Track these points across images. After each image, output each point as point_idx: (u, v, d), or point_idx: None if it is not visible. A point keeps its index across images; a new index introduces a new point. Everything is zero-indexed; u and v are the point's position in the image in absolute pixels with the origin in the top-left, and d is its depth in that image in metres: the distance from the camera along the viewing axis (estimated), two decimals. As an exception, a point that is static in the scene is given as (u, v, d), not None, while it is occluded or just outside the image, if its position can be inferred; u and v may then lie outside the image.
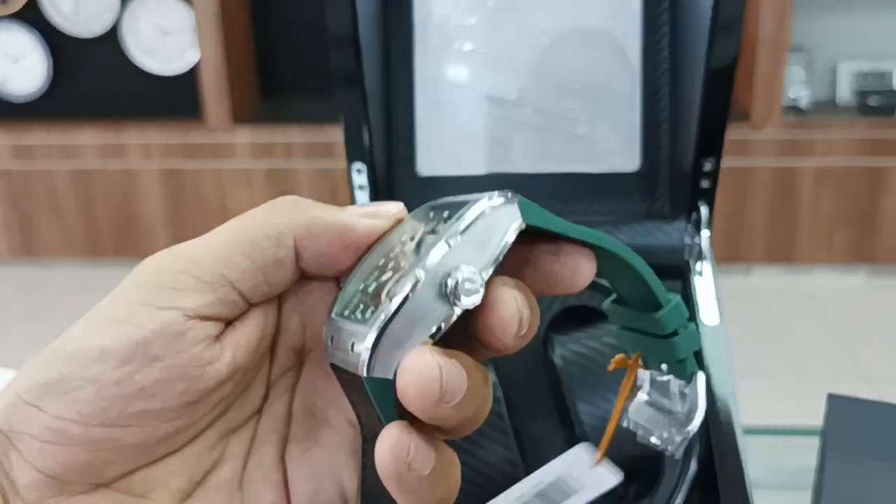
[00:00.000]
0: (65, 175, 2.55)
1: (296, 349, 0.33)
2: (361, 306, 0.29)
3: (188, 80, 2.54)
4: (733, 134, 2.37)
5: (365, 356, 0.27)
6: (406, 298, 0.27)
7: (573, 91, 0.51)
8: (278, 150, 2.47)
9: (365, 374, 0.28)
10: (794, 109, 2.51)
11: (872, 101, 2.49)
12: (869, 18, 2.58)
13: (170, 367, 0.28)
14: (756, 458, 0.44)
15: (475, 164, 0.51)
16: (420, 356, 0.27)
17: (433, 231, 0.29)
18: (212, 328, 0.29)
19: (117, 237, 2.60)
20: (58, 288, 2.59)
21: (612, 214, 0.50)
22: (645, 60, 0.51)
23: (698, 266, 0.48)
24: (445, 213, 0.29)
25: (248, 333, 0.31)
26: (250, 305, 0.31)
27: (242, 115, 2.51)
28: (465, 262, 0.28)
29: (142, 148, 2.50)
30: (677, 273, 0.49)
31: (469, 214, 0.28)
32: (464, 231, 0.28)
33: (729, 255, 2.46)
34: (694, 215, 0.49)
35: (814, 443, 0.45)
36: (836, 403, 0.41)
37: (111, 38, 2.53)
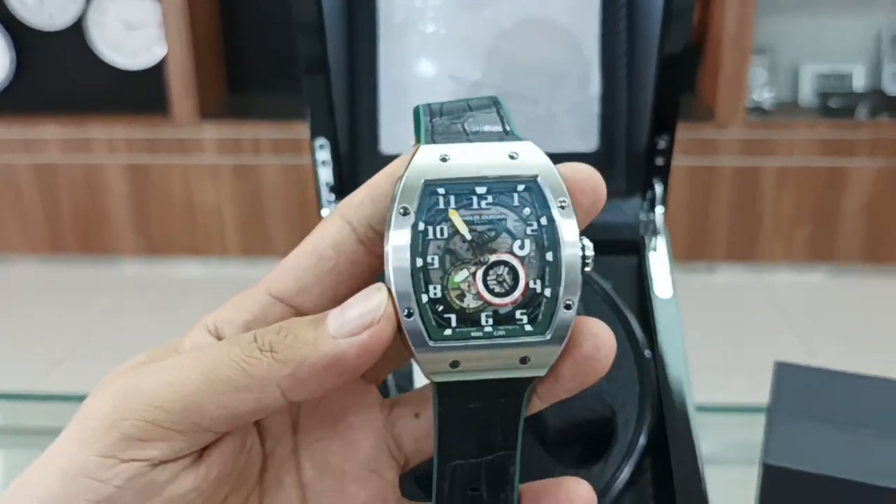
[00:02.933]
0: (27, 169, 2.52)
1: (284, 411, 0.32)
2: (488, 314, 0.27)
3: (155, 75, 2.53)
4: (698, 133, 2.40)
5: (550, 362, 0.27)
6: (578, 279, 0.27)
7: (533, 73, 0.52)
8: (246, 145, 2.47)
9: (545, 373, 0.27)
10: (758, 110, 2.54)
11: (833, 103, 2.53)
12: (831, 21, 2.62)
13: None
14: (709, 435, 0.46)
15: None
16: (597, 322, 0.28)
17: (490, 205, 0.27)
18: (183, 463, 0.28)
19: (81, 233, 2.57)
20: (19, 285, 2.56)
21: (570, 193, 0.51)
22: (603, 44, 0.52)
23: (653, 242, 0.49)
24: (482, 189, 0.28)
25: (229, 448, 0.29)
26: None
27: (210, 110, 2.50)
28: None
29: (107, 143, 2.48)
30: (633, 248, 0.51)
31: (543, 173, 0.27)
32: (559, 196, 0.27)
33: (692, 253, 2.49)
34: (649, 193, 0.50)
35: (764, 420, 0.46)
36: (784, 370, 0.43)
37: (76, 31, 2.51)
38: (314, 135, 0.48)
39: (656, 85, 0.47)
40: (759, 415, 0.50)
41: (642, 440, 0.43)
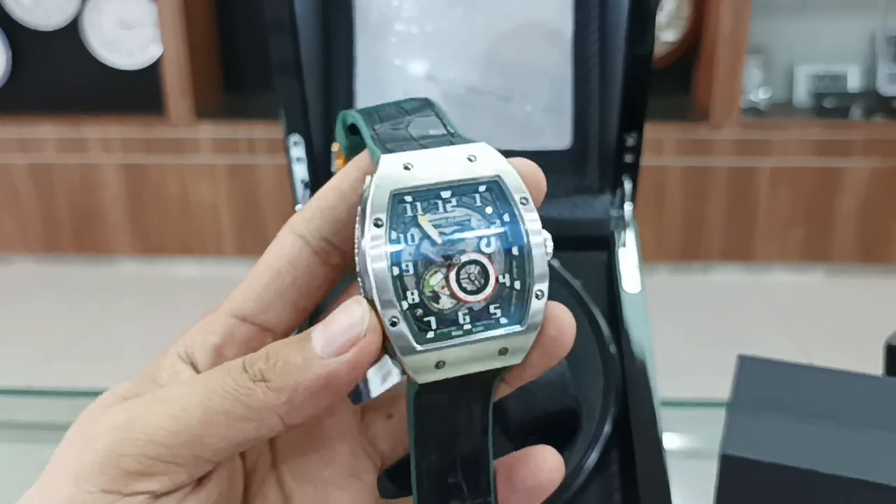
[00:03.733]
0: (23, 169, 2.52)
1: None
2: (464, 313, 0.28)
3: (150, 75, 2.53)
4: (693, 133, 2.41)
5: (526, 350, 0.28)
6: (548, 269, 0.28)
7: (508, 72, 0.53)
8: (241, 145, 2.47)
9: (521, 360, 0.28)
10: (753, 110, 2.55)
11: (828, 103, 2.54)
12: (825, 22, 2.63)
13: None
14: (675, 429, 0.46)
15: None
16: (556, 304, 0.29)
17: (451, 207, 0.28)
18: (186, 491, 0.28)
19: (77, 233, 2.58)
20: (15, 284, 2.56)
21: (543, 189, 0.52)
22: (576, 43, 0.53)
23: (622, 237, 0.50)
24: (446, 194, 0.29)
25: (227, 473, 0.30)
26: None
27: (205, 110, 2.51)
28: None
29: (102, 142, 2.49)
30: (603, 244, 0.51)
31: (505, 179, 0.29)
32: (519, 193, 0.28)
33: (687, 254, 2.50)
34: (619, 189, 0.51)
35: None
36: (747, 364, 0.43)
37: (72, 30, 2.52)
38: (288, 131, 0.49)
39: (624, 82, 0.47)
40: (724, 409, 0.51)
41: (607, 428, 0.44)
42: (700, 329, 2.21)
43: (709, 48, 2.43)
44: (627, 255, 0.49)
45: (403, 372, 0.29)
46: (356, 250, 0.28)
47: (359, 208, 0.28)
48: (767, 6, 2.55)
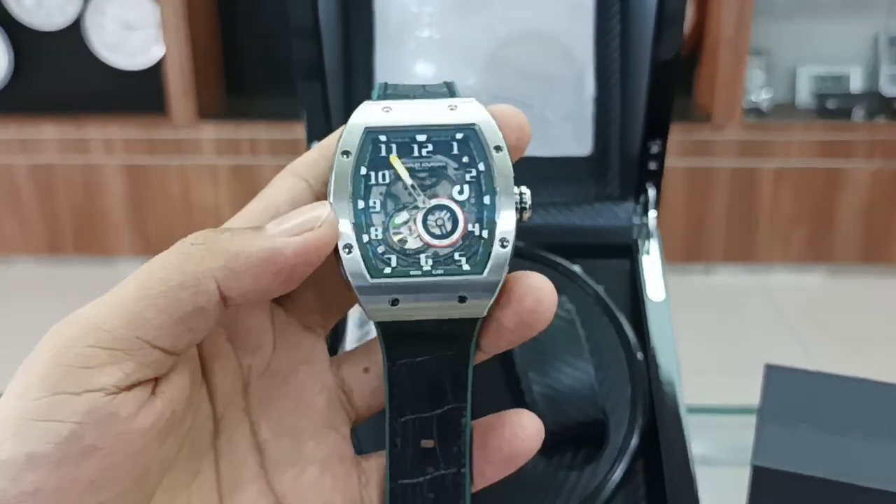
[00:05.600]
0: (25, 170, 2.52)
1: (233, 371, 0.31)
2: (427, 255, 0.28)
3: (153, 76, 2.52)
4: (695, 135, 2.41)
5: (488, 300, 0.28)
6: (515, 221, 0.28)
7: (528, 80, 0.52)
8: (244, 146, 2.47)
9: (485, 313, 0.28)
10: (755, 111, 2.55)
11: (830, 104, 2.53)
12: (828, 23, 2.62)
13: (111, 453, 0.25)
14: (701, 436, 0.46)
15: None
16: (540, 276, 0.29)
17: (425, 154, 0.28)
18: (141, 393, 0.26)
19: (78, 234, 2.57)
20: (16, 285, 2.56)
21: (564, 196, 0.52)
22: (597, 49, 0.53)
23: (646, 245, 0.50)
24: (419, 137, 0.29)
25: (180, 381, 0.28)
26: (177, 355, 0.28)
27: (208, 111, 2.50)
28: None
29: (104, 143, 2.48)
30: (626, 252, 0.51)
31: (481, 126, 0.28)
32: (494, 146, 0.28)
33: (689, 254, 2.49)
34: (642, 196, 0.51)
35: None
36: (774, 373, 0.43)
37: (74, 31, 2.51)
38: (311, 140, 0.49)
39: (649, 90, 0.47)
40: (750, 416, 0.50)
41: (634, 441, 0.44)
42: (702, 330, 2.20)
43: (711, 49, 2.42)
44: (651, 263, 0.49)
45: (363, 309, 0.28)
46: (328, 184, 0.28)
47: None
48: (769, 8, 2.55)
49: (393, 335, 0.28)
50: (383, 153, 0.28)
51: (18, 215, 2.56)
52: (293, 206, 0.29)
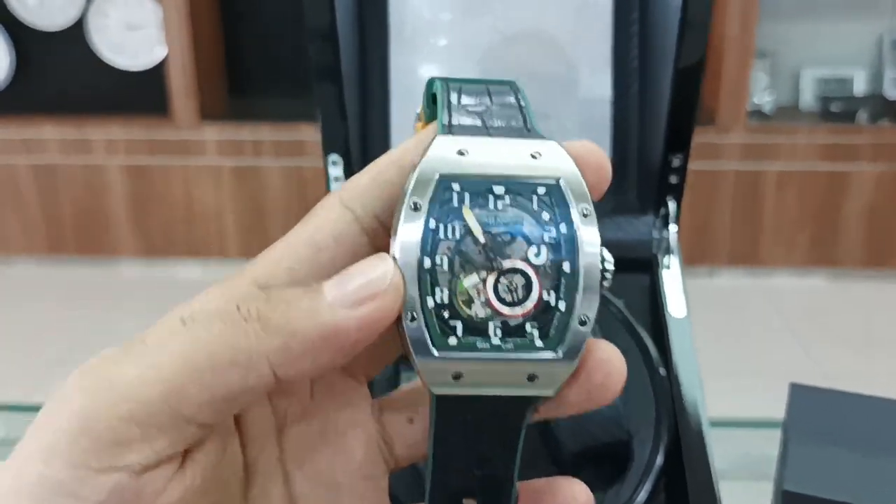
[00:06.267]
0: (27, 170, 2.51)
1: (267, 417, 0.29)
2: (496, 325, 0.25)
3: (155, 76, 2.52)
4: (699, 137, 2.39)
5: (559, 383, 0.25)
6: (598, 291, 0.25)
7: (544, 87, 0.52)
8: (247, 147, 2.46)
9: (554, 394, 0.26)
10: (759, 114, 2.54)
11: (834, 107, 2.53)
12: (832, 26, 2.62)
13: None
14: (720, 450, 0.45)
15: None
16: (609, 346, 0.26)
17: (503, 206, 0.26)
18: (169, 468, 0.25)
19: (80, 234, 2.56)
20: (17, 285, 2.55)
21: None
22: (615, 58, 0.52)
23: (666, 260, 0.49)
24: (500, 189, 0.26)
25: (213, 448, 0.26)
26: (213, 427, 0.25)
27: (210, 111, 2.49)
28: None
29: (106, 144, 2.47)
30: (645, 266, 0.50)
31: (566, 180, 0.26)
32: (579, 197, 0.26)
33: (693, 257, 2.49)
34: (662, 210, 0.50)
35: (775, 434, 0.46)
36: (799, 393, 0.42)
37: (76, 32, 2.50)
38: (327, 150, 0.48)
39: (671, 101, 0.46)
40: (770, 430, 0.50)
41: (659, 460, 0.43)
42: (706, 333, 2.20)
43: (715, 52, 2.42)
44: (672, 278, 0.48)
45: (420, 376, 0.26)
46: (391, 235, 0.26)
47: (402, 189, 0.26)
48: (774, 10, 2.54)
49: (449, 405, 0.26)
50: (455, 203, 0.25)
51: (20, 215, 2.55)
52: (338, 243, 0.27)
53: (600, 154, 0.28)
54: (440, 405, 0.26)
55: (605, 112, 0.52)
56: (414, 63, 0.53)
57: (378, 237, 0.27)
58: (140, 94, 2.53)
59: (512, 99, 0.29)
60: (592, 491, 0.40)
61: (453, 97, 0.29)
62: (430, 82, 0.30)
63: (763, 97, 2.56)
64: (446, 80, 0.30)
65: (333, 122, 0.48)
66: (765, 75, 2.59)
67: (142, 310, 2.36)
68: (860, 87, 2.63)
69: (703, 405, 0.44)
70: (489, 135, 0.27)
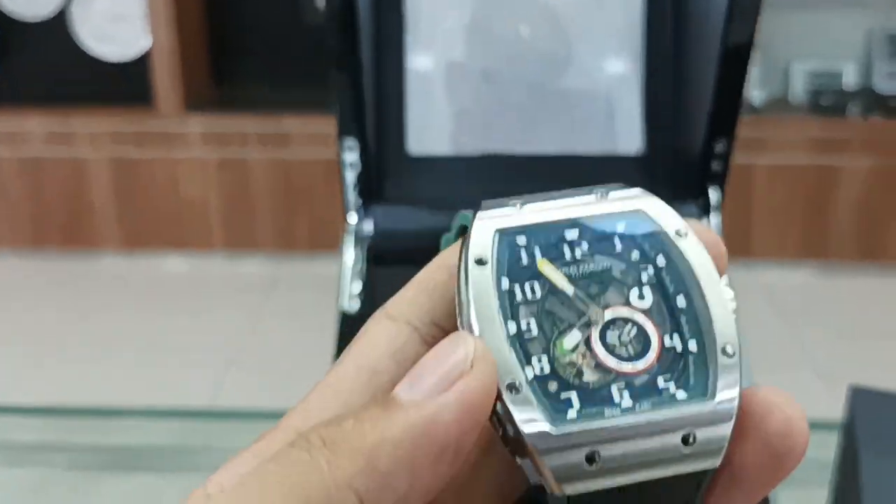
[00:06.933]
0: (10, 163, 2.46)
1: None
2: (620, 387, 0.20)
3: (139, 67, 2.47)
4: (690, 130, 2.38)
5: (725, 434, 0.19)
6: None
7: (571, 70, 0.49)
8: (232, 138, 2.42)
9: (721, 457, 0.20)
10: (749, 107, 2.52)
11: (824, 101, 2.52)
12: (822, 19, 2.61)
13: None
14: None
15: (468, 144, 0.49)
16: (777, 391, 0.20)
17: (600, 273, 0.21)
18: None
19: (64, 227, 2.52)
20: (1, 279, 2.50)
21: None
22: (647, 38, 0.49)
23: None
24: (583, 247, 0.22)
25: None
26: None
27: (195, 102, 2.46)
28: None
29: (90, 136, 2.43)
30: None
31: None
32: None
33: (685, 251, 2.47)
34: (702, 199, 0.47)
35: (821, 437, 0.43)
36: (860, 396, 0.40)
37: (60, 21, 2.46)
38: (342, 133, 0.45)
39: (717, 83, 0.43)
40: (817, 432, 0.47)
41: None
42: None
43: (708, 44, 2.40)
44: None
45: (539, 478, 0.20)
46: (457, 316, 0.21)
47: (456, 274, 0.21)
48: (764, 3, 2.53)
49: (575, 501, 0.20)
50: (525, 261, 0.21)
51: (3, 208, 2.51)
52: (398, 362, 0.22)
53: (714, 237, 0.23)
54: None
55: (635, 96, 0.49)
56: (431, 46, 0.51)
57: None
58: (124, 84, 2.49)
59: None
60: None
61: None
62: (462, 217, 0.24)
63: (753, 90, 2.55)
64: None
65: (350, 105, 0.45)
66: (755, 68, 2.57)
67: (126, 302, 2.33)
68: (850, 80, 2.62)
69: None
70: (541, 198, 0.23)
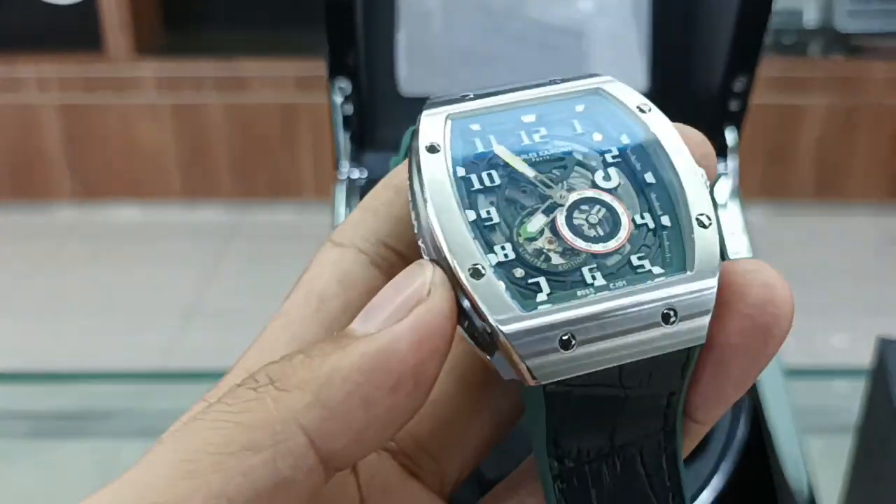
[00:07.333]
0: (-48, 110, 2.37)
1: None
2: (591, 268, 0.18)
3: (87, 9, 2.38)
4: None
5: (707, 309, 0.18)
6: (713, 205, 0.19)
7: (574, 2, 0.46)
8: (186, 83, 2.35)
9: (706, 332, 0.18)
10: (713, 46, 2.51)
11: (786, 40, 2.50)
12: (784, -45, 2.59)
13: None
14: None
15: (464, 83, 0.46)
16: (753, 260, 0.19)
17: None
18: None
19: (14, 177, 2.44)
20: (-52, 231, 2.42)
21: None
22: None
23: (723, 198, 0.44)
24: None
25: None
26: None
27: (146, 46, 2.38)
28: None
29: (38, 82, 2.34)
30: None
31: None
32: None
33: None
34: (719, 140, 0.44)
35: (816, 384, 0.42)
36: (891, 348, 0.38)
37: (0, -39, 2.35)
38: (334, 73, 0.41)
39: (739, 15, 0.40)
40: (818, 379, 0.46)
41: (742, 431, 0.38)
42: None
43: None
44: (732, 219, 0.43)
45: (512, 373, 0.18)
46: (411, 210, 0.19)
47: (408, 167, 0.20)
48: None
49: (564, 414, 0.18)
50: (480, 147, 0.19)
51: (-54, 159, 2.42)
52: (346, 287, 0.21)
53: (701, 138, 0.22)
54: (551, 404, 0.18)
55: (642, 26, 0.46)
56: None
57: (395, 267, 0.20)
58: (72, 28, 2.40)
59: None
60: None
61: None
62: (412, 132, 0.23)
63: (716, 29, 2.53)
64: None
65: (341, 41, 0.41)
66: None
67: (79, 255, 2.27)
68: (811, 19, 2.61)
69: (783, 371, 0.39)
70: (494, 93, 0.21)
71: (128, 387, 0.95)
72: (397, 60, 0.45)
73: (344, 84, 0.41)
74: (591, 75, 0.22)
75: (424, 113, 0.20)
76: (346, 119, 0.41)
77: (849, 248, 2.34)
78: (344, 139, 0.42)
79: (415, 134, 0.20)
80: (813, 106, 2.42)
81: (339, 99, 0.42)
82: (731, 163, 0.46)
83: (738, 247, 0.43)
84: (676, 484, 0.19)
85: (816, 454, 0.40)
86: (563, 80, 0.22)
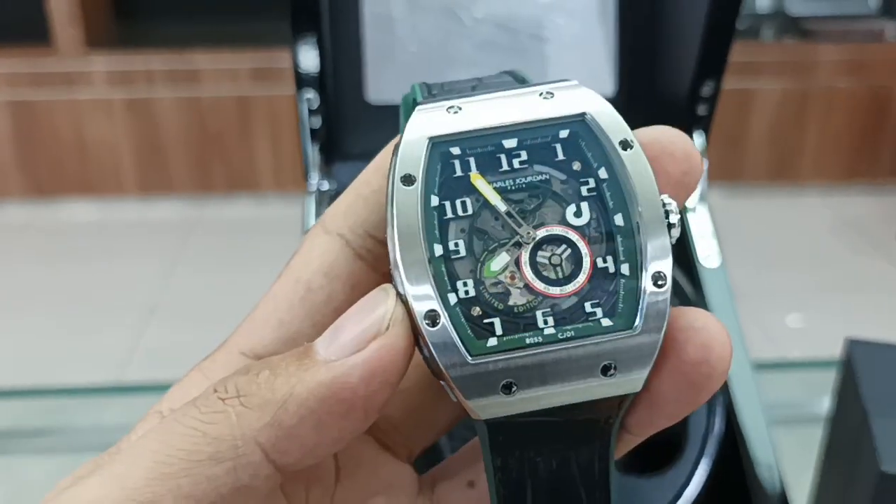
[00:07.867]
0: None
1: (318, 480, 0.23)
2: (545, 312, 0.19)
3: (34, 1, 2.33)
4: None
5: (645, 368, 0.19)
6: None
7: (540, 6, 0.45)
8: (138, 76, 2.31)
9: (641, 386, 0.19)
10: (667, 32, 2.53)
11: (740, 25, 2.53)
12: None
13: None
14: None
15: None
16: (701, 312, 0.20)
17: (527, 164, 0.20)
18: None
19: (-39, 175, 2.39)
20: None
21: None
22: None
23: (691, 202, 0.44)
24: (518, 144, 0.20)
25: None
26: None
27: (96, 39, 2.33)
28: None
29: (-17, 77, 2.29)
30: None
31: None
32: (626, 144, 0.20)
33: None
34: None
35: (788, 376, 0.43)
36: (859, 350, 0.38)
37: (-59, -47, 2.29)
38: (302, 85, 0.41)
39: (708, 18, 0.40)
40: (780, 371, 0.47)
41: (718, 427, 0.38)
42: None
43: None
44: (700, 223, 0.43)
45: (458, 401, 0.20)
46: (386, 229, 0.20)
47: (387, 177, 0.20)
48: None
49: (507, 436, 0.20)
50: (459, 172, 0.20)
51: None
52: (331, 278, 0.22)
53: (684, 139, 0.23)
54: (494, 437, 0.20)
55: (608, 29, 0.46)
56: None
57: (379, 261, 0.22)
58: (18, 21, 2.35)
59: (506, 75, 0.24)
60: (640, 477, 0.36)
61: (435, 89, 0.23)
62: (405, 98, 0.24)
63: (669, 15, 2.55)
64: (423, 83, 0.24)
65: (308, 52, 0.40)
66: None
67: (33, 255, 2.23)
68: (763, 3, 2.64)
69: (752, 366, 0.40)
70: (484, 92, 0.22)
71: (83, 400, 0.93)
72: (364, 68, 0.45)
73: (311, 95, 0.41)
74: (578, 87, 0.22)
75: (408, 127, 0.20)
76: (313, 131, 0.41)
77: (803, 228, 2.38)
78: (312, 151, 0.41)
79: (406, 115, 0.21)
80: (765, 90, 2.45)
81: (306, 111, 0.41)
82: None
83: (708, 250, 0.43)
84: (605, 480, 0.21)
85: (787, 445, 0.41)
86: (552, 92, 0.22)
